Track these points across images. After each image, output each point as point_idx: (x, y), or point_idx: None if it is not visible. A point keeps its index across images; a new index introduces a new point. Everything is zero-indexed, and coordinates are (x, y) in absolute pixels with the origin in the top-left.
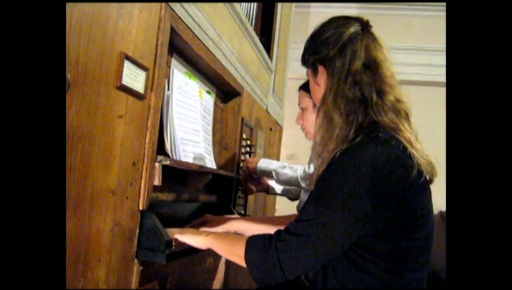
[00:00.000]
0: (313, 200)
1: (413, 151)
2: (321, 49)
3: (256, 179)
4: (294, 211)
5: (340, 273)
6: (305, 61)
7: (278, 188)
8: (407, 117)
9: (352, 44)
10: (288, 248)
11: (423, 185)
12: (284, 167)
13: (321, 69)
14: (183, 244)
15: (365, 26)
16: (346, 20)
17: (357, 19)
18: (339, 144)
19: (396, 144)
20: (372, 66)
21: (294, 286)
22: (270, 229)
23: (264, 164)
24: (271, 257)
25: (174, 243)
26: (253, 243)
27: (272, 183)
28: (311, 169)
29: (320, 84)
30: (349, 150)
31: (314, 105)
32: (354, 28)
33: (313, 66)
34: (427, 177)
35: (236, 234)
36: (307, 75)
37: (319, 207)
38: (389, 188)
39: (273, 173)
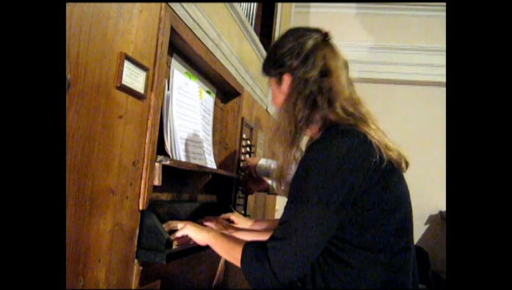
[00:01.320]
0: (289, 200)
1: (374, 139)
2: (285, 59)
3: (256, 179)
4: None
5: (325, 270)
6: (268, 72)
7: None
8: (365, 119)
9: (313, 54)
10: (276, 254)
11: (389, 170)
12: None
13: (286, 78)
14: (183, 244)
15: (325, 36)
16: (308, 31)
17: (317, 30)
18: (286, 148)
19: (357, 134)
20: (327, 74)
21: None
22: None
23: (263, 163)
24: (262, 264)
25: (174, 237)
26: (248, 251)
27: (271, 182)
28: None
29: (284, 93)
30: (313, 145)
31: None
32: (315, 39)
33: (278, 76)
34: (394, 165)
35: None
36: (269, 84)
37: (295, 205)
38: (356, 174)
39: (272, 173)
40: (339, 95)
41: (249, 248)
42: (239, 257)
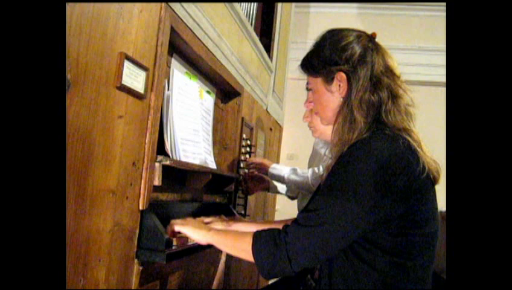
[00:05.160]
0: (321, 192)
1: (417, 148)
2: (340, 58)
3: (257, 178)
4: (294, 210)
5: (345, 267)
6: (315, 70)
7: (280, 187)
8: (412, 126)
9: (370, 53)
10: (296, 240)
11: (427, 182)
12: (295, 170)
13: (340, 76)
14: (184, 244)
15: (372, 38)
16: (355, 31)
17: (363, 32)
18: (346, 146)
19: (400, 140)
20: (389, 73)
21: (299, 285)
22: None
23: (275, 170)
24: (279, 249)
25: (171, 228)
26: (261, 237)
27: (276, 183)
28: (321, 170)
29: (334, 92)
30: (357, 144)
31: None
32: (365, 39)
33: (328, 74)
34: (431, 177)
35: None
36: (309, 84)
37: (327, 198)
38: (393, 180)
39: (285, 178)
40: (401, 93)
41: (262, 233)
42: (248, 246)
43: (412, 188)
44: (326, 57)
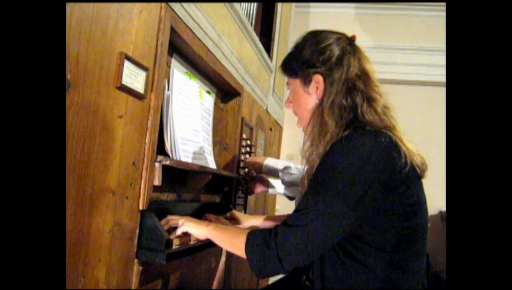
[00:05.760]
0: (307, 192)
1: (399, 142)
2: (318, 60)
3: (257, 179)
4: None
5: (336, 265)
6: (293, 72)
7: (279, 187)
8: (394, 123)
9: (347, 56)
10: (286, 241)
11: (411, 175)
12: (290, 167)
13: (317, 78)
14: (184, 243)
15: (352, 40)
16: (334, 34)
17: (343, 34)
18: (328, 145)
19: (382, 135)
20: (364, 76)
21: (295, 286)
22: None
23: (270, 162)
24: (270, 250)
25: (174, 236)
26: (254, 237)
27: (274, 182)
28: None
29: (312, 94)
30: (339, 142)
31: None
32: (344, 42)
33: (306, 76)
34: (417, 170)
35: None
36: (288, 84)
37: (314, 196)
38: (377, 174)
39: (279, 173)
40: (375, 97)
41: (255, 233)
42: (242, 244)
43: (395, 181)
44: (305, 58)
